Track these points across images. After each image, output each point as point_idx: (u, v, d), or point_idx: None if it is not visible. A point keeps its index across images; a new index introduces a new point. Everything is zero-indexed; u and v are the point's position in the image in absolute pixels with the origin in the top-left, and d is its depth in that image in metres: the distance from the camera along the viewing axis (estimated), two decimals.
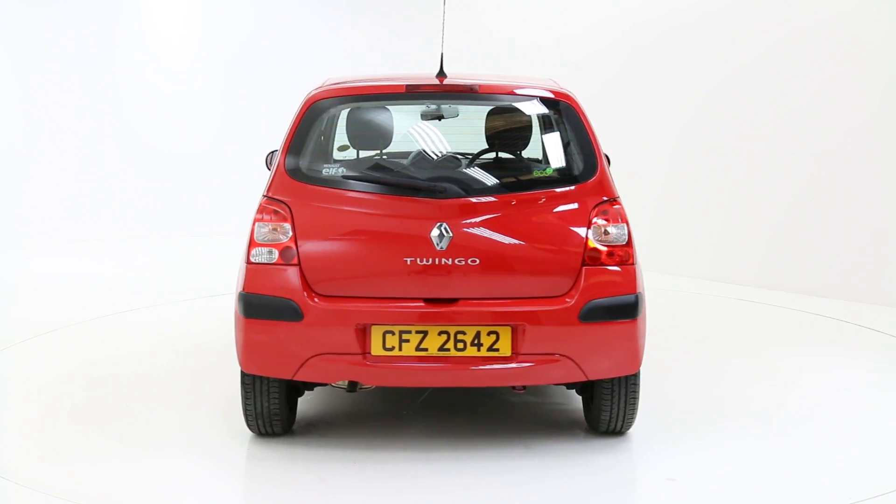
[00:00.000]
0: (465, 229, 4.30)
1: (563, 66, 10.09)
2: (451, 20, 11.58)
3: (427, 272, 4.27)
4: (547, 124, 4.86)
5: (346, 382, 4.47)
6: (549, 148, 4.90)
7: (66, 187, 10.78)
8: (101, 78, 11.04)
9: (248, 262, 4.36)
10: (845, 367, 6.19)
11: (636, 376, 4.56)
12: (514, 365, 4.26)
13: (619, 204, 4.48)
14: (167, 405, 5.21)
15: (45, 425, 4.94)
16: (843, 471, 4.48)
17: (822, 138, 8.38)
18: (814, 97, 8.44)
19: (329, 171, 4.65)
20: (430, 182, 4.42)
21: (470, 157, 4.99)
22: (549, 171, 4.64)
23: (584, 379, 4.35)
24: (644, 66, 9.66)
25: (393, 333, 4.25)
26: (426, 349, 4.26)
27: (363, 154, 5.38)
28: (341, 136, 5.07)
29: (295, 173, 4.46)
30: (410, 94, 4.70)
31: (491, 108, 4.94)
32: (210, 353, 6.14)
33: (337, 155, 5.51)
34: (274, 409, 4.56)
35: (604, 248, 4.37)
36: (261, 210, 4.39)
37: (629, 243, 4.42)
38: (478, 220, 4.33)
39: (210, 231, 11.09)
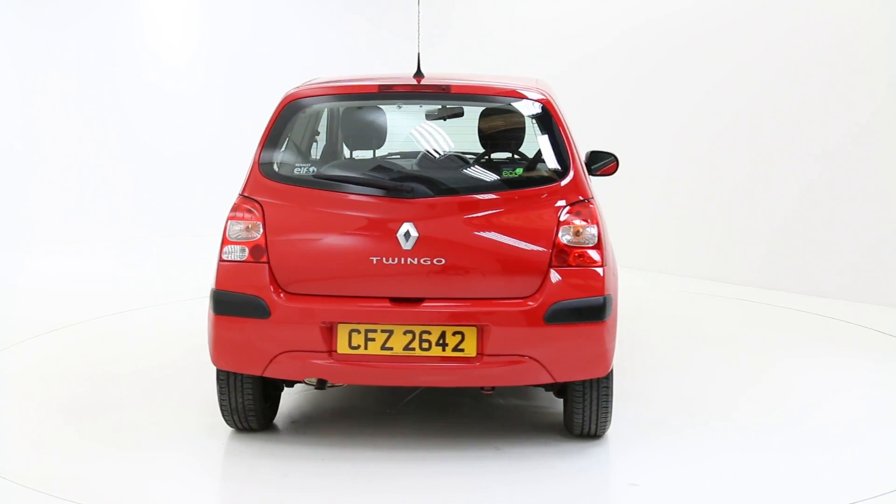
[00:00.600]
0: (432, 229, 4.30)
1: (564, 66, 10.10)
2: (452, 21, 11.60)
3: (393, 272, 4.29)
4: (520, 125, 4.89)
5: (316, 380, 4.50)
6: (522, 148, 4.94)
7: (66, 187, 10.78)
8: (102, 78, 11.04)
9: (221, 259, 4.44)
10: (845, 367, 6.18)
11: (608, 379, 4.51)
12: (479, 366, 4.26)
13: (592, 205, 4.45)
14: (161, 404, 5.23)
15: (44, 425, 4.94)
16: (838, 471, 4.47)
17: (822, 138, 8.37)
18: (814, 97, 8.43)
19: (301, 170, 4.69)
20: (398, 182, 4.44)
21: (442, 156, 5.03)
22: (518, 172, 4.63)
23: (551, 381, 4.33)
24: (645, 65, 9.66)
25: (359, 332, 4.28)
26: (391, 348, 4.28)
27: (357, 155, 5.42)
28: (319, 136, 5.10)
29: (268, 172, 4.54)
30: (383, 93, 4.74)
31: (464, 108, 4.99)
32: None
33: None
34: (248, 405, 4.62)
35: (573, 250, 4.33)
36: (234, 208, 4.47)
37: (599, 245, 4.37)
38: (445, 220, 4.33)
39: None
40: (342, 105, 4.92)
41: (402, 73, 4.97)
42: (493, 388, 4.55)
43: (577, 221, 4.36)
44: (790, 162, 8.58)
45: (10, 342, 6.44)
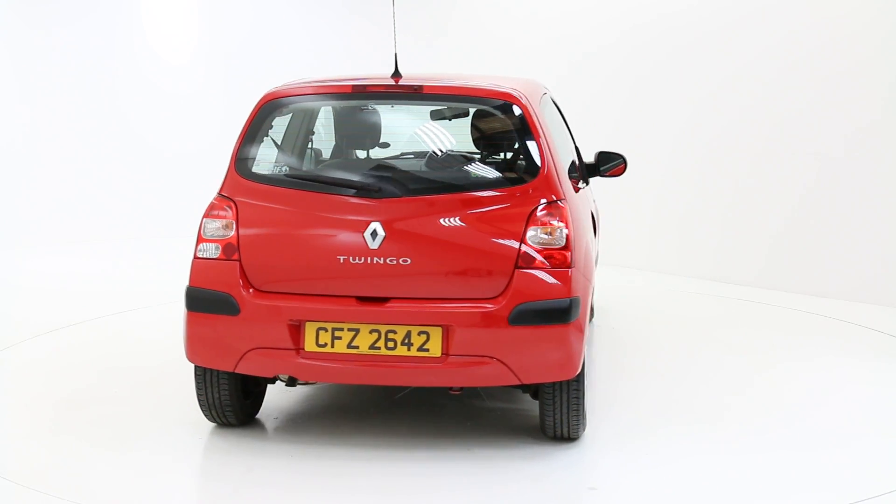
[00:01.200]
0: (398, 229, 4.31)
1: (565, 66, 10.10)
2: (452, 21, 11.60)
3: (360, 271, 4.31)
4: (492, 125, 4.88)
5: (287, 377, 4.54)
6: (493, 149, 4.94)
7: (66, 187, 10.78)
8: (101, 77, 11.03)
9: (195, 257, 4.52)
10: (845, 367, 6.18)
11: (578, 381, 4.46)
12: (444, 366, 4.26)
13: (563, 206, 4.41)
14: (159, 403, 5.24)
15: (44, 425, 4.94)
16: (838, 471, 4.47)
17: (822, 138, 8.37)
18: (814, 98, 8.43)
19: (274, 169, 4.72)
20: (366, 181, 4.46)
21: (415, 155, 5.05)
22: (487, 172, 4.59)
23: (518, 382, 4.31)
24: (645, 65, 9.66)
25: (326, 330, 4.31)
26: (357, 347, 4.30)
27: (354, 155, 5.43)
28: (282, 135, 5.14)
29: (244, 172, 4.60)
30: (357, 93, 4.77)
31: (436, 108, 5.01)
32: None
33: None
34: (225, 400, 4.67)
35: (539, 251, 4.31)
36: (210, 207, 4.56)
37: (568, 246, 4.33)
38: (411, 220, 4.33)
39: None
40: (320, 105, 4.98)
41: (381, 73, 4.97)
42: (461, 389, 4.55)
43: (546, 222, 4.33)
44: (790, 162, 8.58)
45: (9, 342, 6.44)
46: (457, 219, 4.34)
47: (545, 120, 4.73)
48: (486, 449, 4.58)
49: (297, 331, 4.33)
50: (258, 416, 5.01)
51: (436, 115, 5.30)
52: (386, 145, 5.43)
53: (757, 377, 5.90)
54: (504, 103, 4.61)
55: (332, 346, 4.30)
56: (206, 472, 4.48)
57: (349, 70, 9.48)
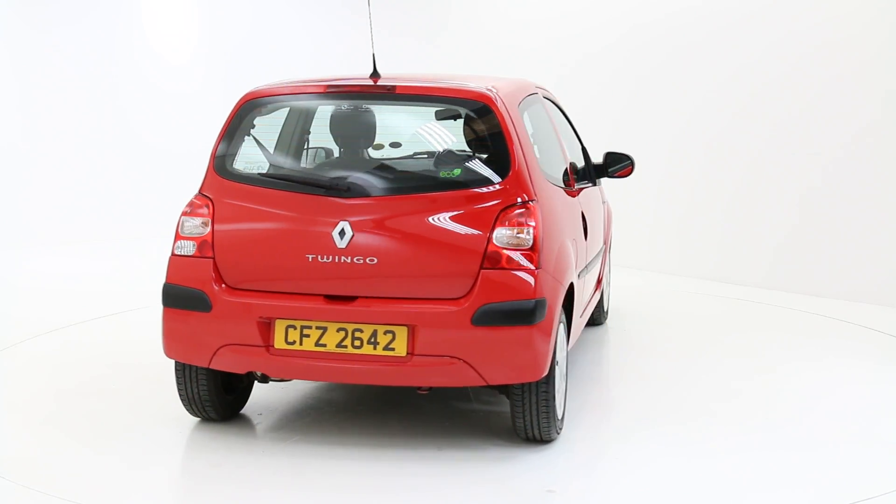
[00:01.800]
0: (366, 228, 4.33)
1: (565, 66, 10.10)
2: (453, 22, 11.59)
3: (328, 269, 4.34)
4: (465, 125, 4.89)
5: (259, 373, 4.58)
6: (465, 149, 4.95)
7: (66, 187, 10.77)
8: (101, 77, 11.03)
9: (173, 254, 4.62)
10: (844, 366, 6.19)
11: (547, 383, 4.44)
12: (409, 365, 4.27)
13: (531, 207, 4.38)
14: (158, 402, 5.25)
15: (44, 425, 4.94)
16: (837, 471, 4.47)
17: (823, 139, 8.37)
18: (814, 98, 8.43)
19: (249, 168, 4.75)
20: (335, 181, 4.48)
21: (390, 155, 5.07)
22: (456, 172, 4.59)
23: (483, 383, 4.30)
24: (646, 65, 9.66)
25: (295, 328, 4.36)
26: (325, 345, 4.33)
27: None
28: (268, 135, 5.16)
29: (221, 170, 4.66)
30: (330, 93, 4.84)
31: (409, 108, 5.06)
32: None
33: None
34: (204, 395, 4.73)
35: (506, 251, 4.30)
36: (188, 205, 4.62)
37: (535, 247, 4.32)
38: (379, 219, 4.35)
39: None
40: (298, 105, 5.03)
41: (363, 74, 4.99)
42: (428, 389, 4.56)
43: (514, 223, 4.32)
44: (790, 162, 8.58)
45: (9, 342, 6.44)
46: (425, 219, 4.35)
47: (521, 120, 4.70)
48: (457, 450, 4.56)
49: (267, 328, 4.38)
50: (245, 411, 5.05)
51: (440, 115, 5.30)
52: (380, 146, 5.42)
53: (756, 377, 5.89)
54: (475, 103, 4.59)
55: (301, 344, 4.35)
56: (172, 468, 4.51)
57: (348, 70, 9.51)
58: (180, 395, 4.78)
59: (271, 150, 5.02)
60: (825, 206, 8.36)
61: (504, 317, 4.24)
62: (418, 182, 4.63)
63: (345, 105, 5.05)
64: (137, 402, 5.26)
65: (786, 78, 8.59)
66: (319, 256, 4.34)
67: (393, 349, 4.28)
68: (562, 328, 4.65)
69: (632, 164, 5.90)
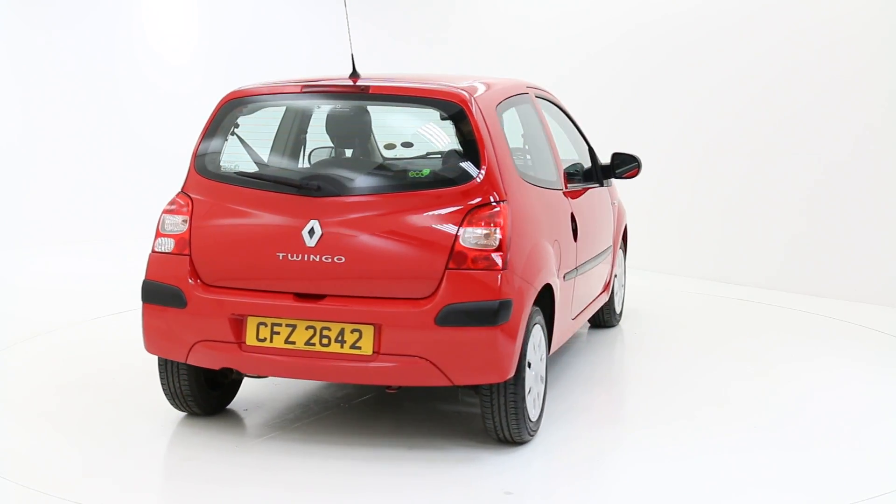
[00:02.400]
0: (335, 228, 4.37)
1: (565, 66, 10.10)
2: (453, 23, 11.59)
3: (297, 268, 4.39)
4: (437, 126, 4.92)
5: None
6: (437, 149, 4.98)
7: (66, 187, 10.78)
8: (102, 78, 11.03)
9: (153, 250, 4.70)
10: (844, 366, 6.19)
11: (516, 384, 4.42)
12: (375, 364, 4.29)
13: (501, 207, 4.37)
14: (155, 401, 5.22)
15: (43, 425, 4.94)
16: (836, 471, 4.47)
17: (823, 139, 8.37)
18: (814, 98, 8.44)
19: (227, 167, 4.79)
20: (306, 180, 4.51)
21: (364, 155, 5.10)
22: (425, 172, 4.58)
23: (448, 383, 4.30)
24: (645, 66, 9.66)
25: (266, 325, 4.42)
26: (294, 342, 4.38)
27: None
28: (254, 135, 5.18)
29: (201, 169, 4.73)
30: (306, 93, 4.87)
31: (388, 108, 5.08)
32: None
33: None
34: (186, 390, 4.81)
35: (472, 252, 4.30)
36: (170, 203, 4.71)
37: (502, 248, 4.30)
38: (348, 219, 4.38)
39: None
40: (277, 105, 5.08)
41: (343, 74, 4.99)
42: (397, 388, 4.59)
43: (480, 223, 4.32)
44: (791, 163, 8.58)
45: (9, 342, 6.44)
46: (394, 219, 4.37)
47: (497, 121, 4.67)
48: (428, 451, 4.55)
49: (239, 325, 4.45)
50: (233, 406, 5.09)
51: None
52: (392, 146, 5.43)
53: (756, 377, 5.90)
54: (448, 104, 4.57)
55: (271, 341, 4.40)
56: (143, 464, 4.49)
57: (347, 70, 9.52)
58: (163, 390, 4.87)
59: (257, 150, 5.04)
60: (825, 207, 8.37)
61: (468, 317, 4.25)
62: (390, 182, 4.63)
63: (339, 105, 5.06)
64: (124, 397, 5.31)
65: (786, 78, 8.59)
66: (290, 255, 4.40)
67: (359, 348, 4.31)
68: (538, 330, 4.64)
69: (638, 165, 5.95)
